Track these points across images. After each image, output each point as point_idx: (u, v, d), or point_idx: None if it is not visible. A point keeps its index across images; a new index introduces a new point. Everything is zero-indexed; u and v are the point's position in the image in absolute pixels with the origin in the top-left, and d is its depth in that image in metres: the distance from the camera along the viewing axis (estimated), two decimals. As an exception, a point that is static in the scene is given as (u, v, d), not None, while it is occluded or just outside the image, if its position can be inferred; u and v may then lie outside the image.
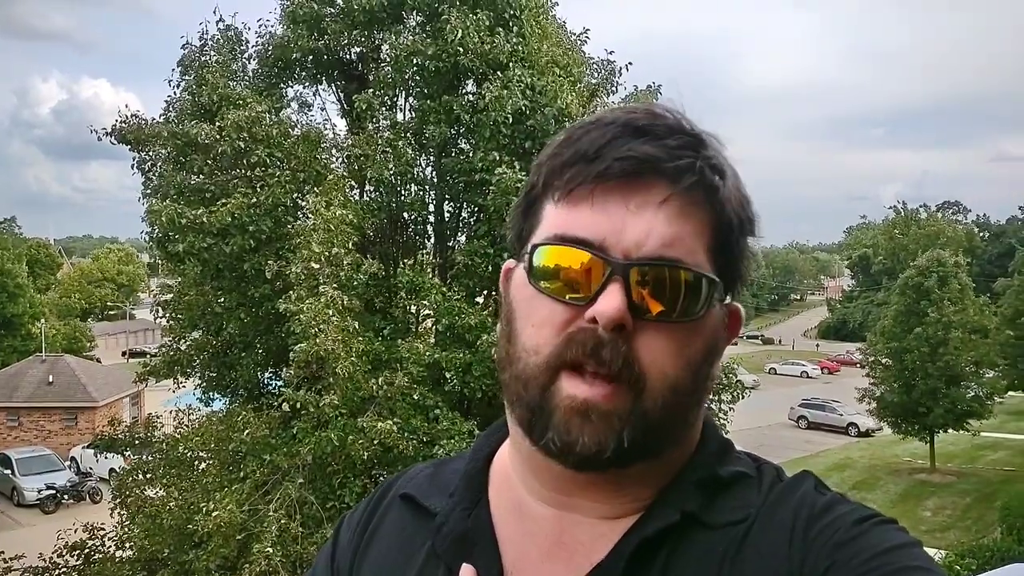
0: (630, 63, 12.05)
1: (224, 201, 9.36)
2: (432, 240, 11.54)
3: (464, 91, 10.48)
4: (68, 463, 26.82)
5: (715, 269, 0.70)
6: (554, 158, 0.71)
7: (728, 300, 0.74)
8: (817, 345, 71.63)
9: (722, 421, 10.89)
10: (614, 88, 12.03)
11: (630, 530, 0.71)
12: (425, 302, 9.97)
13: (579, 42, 12.06)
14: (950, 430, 26.12)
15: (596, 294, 0.66)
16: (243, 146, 9.54)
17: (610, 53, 12.18)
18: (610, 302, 0.65)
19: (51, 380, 30.96)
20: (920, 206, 76.27)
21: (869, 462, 29.60)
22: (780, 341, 73.77)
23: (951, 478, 26.87)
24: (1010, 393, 33.08)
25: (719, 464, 0.75)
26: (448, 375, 9.33)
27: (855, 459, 29.96)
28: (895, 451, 30.38)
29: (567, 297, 0.68)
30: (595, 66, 12.10)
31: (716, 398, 11.14)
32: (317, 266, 8.53)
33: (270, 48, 11.22)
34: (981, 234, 73.65)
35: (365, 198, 10.81)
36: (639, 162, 0.67)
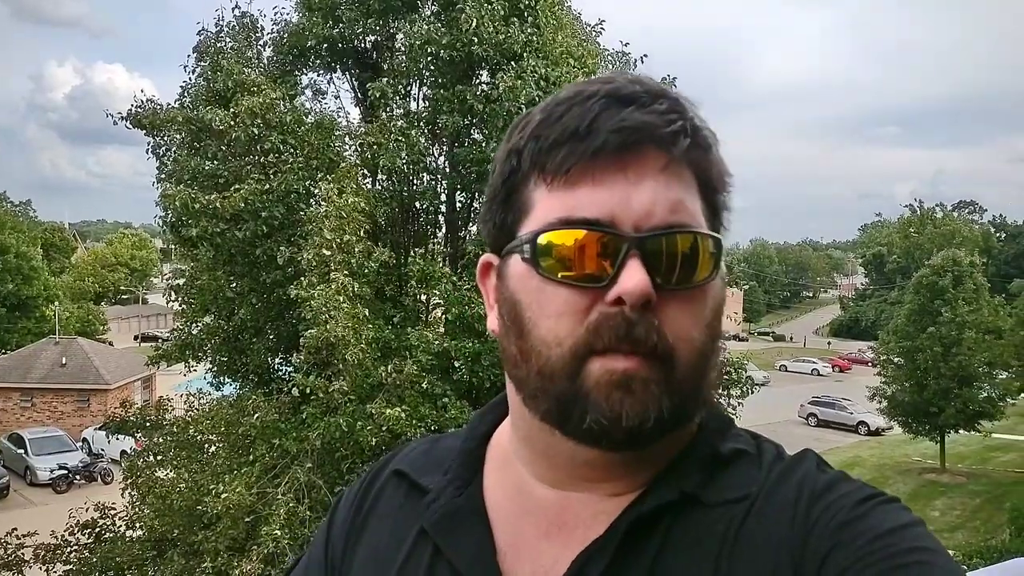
0: (645, 55, 11.98)
1: (237, 187, 9.39)
2: (443, 230, 11.54)
3: (478, 81, 10.45)
4: (80, 444, 27.14)
5: (711, 228, 0.69)
6: (538, 140, 0.68)
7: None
8: (829, 343, 71.29)
9: (731, 416, 10.85)
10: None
11: (628, 507, 0.70)
12: (435, 291, 9.98)
13: (594, 33, 12.01)
14: (961, 431, 25.95)
15: (616, 273, 0.64)
16: (257, 132, 9.55)
17: (625, 45, 12.13)
18: (634, 279, 0.63)
19: (64, 362, 31.29)
20: (936, 205, 75.71)
21: (878, 461, 29.48)
22: (791, 338, 73.45)
23: (961, 479, 26.73)
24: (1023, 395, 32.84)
25: (719, 441, 0.74)
26: (457, 364, 9.36)
27: (864, 458, 29.84)
28: (905, 450, 30.25)
29: (584, 282, 0.65)
30: (610, 58, 12.04)
31: (725, 393, 11.11)
32: (329, 253, 8.55)
33: (285, 35, 11.23)
34: (997, 234, 73.00)
35: (377, 186, 10.81)
36: (636, 132, 0.65)
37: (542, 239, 0.66)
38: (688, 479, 0.70)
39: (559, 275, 0.66)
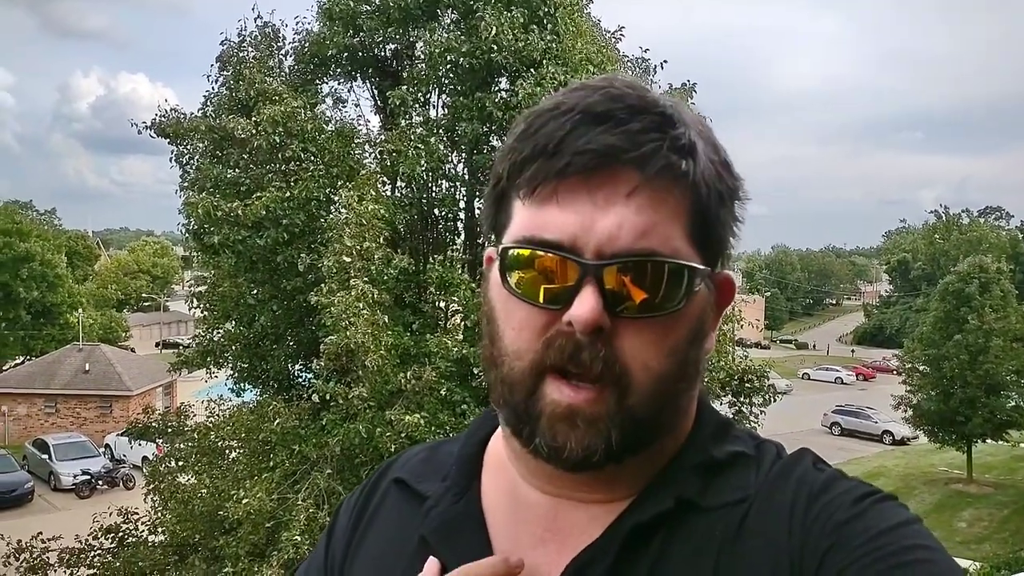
0: (665, 61, 11.97)
1: (259, 194, 9.48)
2: (462, 236, 11.57)
3: (497, 88, 10.48)
4: (103, 450, 27.42)
5: (696, 249, 0.67)
6: (514, 152, 0.67)
7: (713, 271, 0.70)
8: (852, 351, 70.49)
9: (753, 425, 10.75)
10: (648, 86, 11.93)
11: (624, 513, 0.70)
12: (454, 298, 10.00)
13: (613, 40, 12.00)
14: (988, 440, 25.53)
15: (571, 298, 0.64)
16: (278, 140, 9.65)
17: (645, 51, 12.11)
18: (584, 306, 0.63)
19: (88, 369, 31.68)
20: (962, 211, 74.67)
21: (904, 471, 29.05)
22: (814, 346, 72.72)
23: (988, 489, 26.27)
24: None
25: (715, 446, 0.74)
26: (475, 370, 9.35)
27: (889, 467, 29.43)
28: (931, 460, 29.78)
29: (542, 302, 0.66)
30: (629, 64, 12.03)
31: (747, 401, 11.01)
32: (349, 260, 8.60)
33: (306, 44, 11.36)
34: (1025, 241, 71.72)
35: (397, 194, 10.88)
36: (601, 155, 0.64)
37: (510, 255, 0.67)
38: (684, 486, 0.70)
39: (523, 292, 0.66)
